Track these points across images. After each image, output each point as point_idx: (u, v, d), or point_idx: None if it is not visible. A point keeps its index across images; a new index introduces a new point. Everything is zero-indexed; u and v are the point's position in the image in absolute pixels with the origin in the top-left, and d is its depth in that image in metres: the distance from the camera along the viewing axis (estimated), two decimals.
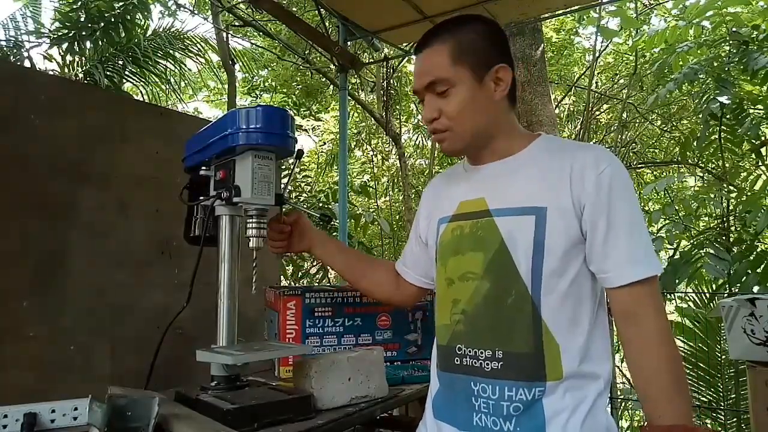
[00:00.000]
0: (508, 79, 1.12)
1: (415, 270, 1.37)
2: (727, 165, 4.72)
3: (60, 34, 4.94)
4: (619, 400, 4.09)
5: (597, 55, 7.35)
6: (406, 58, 4.79)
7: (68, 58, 4.96)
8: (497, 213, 1.09)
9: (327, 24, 4.13)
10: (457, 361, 1.10)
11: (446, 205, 1.20)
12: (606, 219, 1.01)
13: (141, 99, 5.05)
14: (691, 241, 4.03)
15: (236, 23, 5.66)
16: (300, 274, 5.41)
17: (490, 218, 1.09)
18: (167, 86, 5.96)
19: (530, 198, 1.05)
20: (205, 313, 1.45)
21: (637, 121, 7.95)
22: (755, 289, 3.32)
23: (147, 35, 5.46)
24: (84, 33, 4.93)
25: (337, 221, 3.65)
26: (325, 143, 8.85)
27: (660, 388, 0.98)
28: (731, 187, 4.35)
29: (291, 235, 1.45)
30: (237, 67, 7.21)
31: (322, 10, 3.44)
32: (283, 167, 2.28)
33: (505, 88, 1.11)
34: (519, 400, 1.00)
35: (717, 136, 4.18)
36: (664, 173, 7.74)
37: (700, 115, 4.67)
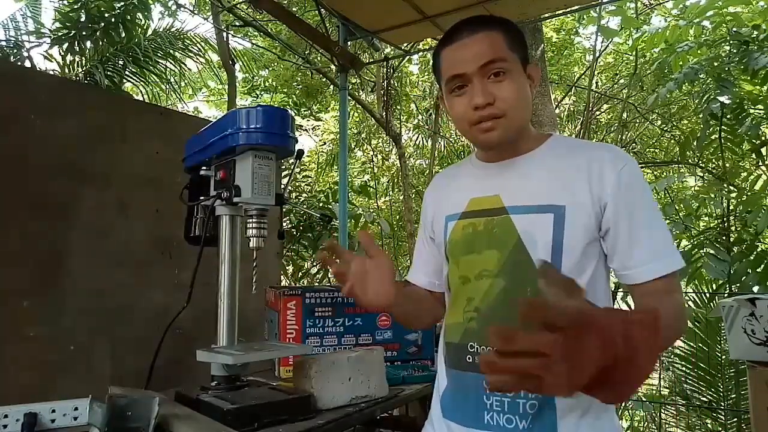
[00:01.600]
0: (538, 79, 1.13)
1: (436, 276, 1.26)
2: (727, 165, 4.71)
3: (60, 34, 4.94)
4: None
5: (597, 55, 7.33)
6: (407, 58, 4.79)
7: (68, 58, 4.96)
8: (513, 210, 1.08)
9: (327, 24, 4.14)
10: (469, 359, 1.09)
11: (453, 202, 1.18)
12: (628, 216, 1.01)
13: (141, 99, 5.05)
14: (691, 241, 4.02)
15: (236, 23, 5.65)
16: (300, 274, 5.41)
17: (506, 216, 1.08)
18: (167, 86, 5.96)
19: (548, 196, 1.05)
20: (205, 313, 1.45)
21: (637, 120, 7.94)
22: (755, 289, 3.31)
23: (147, 35, 5.45)
24: (84, 33, 4.93)
25: (337, 221, 3.65)
26: (325, 143, 8.85)
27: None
28: (731, 187, 4.34)
29: (364, 278, 1.02)
30: (237, 67, 7.20)
31: (322, 10, 3.43)
32: (283, 167, 2.28)
33: (536, 86, 1.12)
34: (535, 396, 1.01)
35: (717, 136, 4.17)
36: (665, 173, 7.72)
37: (700, 115, 4.67)
